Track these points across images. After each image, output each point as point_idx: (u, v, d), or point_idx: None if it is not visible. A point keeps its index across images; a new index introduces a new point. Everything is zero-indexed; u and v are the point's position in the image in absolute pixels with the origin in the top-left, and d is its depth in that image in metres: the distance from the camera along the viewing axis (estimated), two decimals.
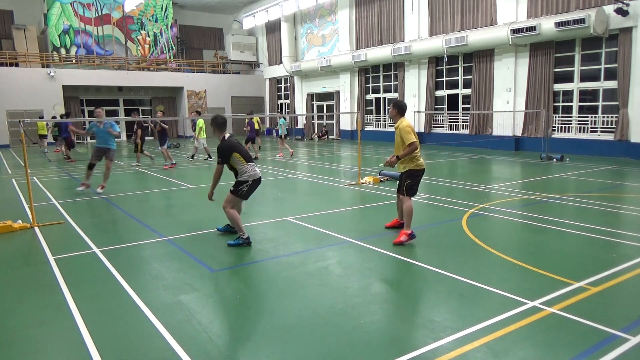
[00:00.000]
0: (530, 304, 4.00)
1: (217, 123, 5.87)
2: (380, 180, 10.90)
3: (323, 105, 28.75)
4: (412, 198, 6.09)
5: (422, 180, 6.23)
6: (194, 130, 17.15)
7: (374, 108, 25.19)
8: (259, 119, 17.12)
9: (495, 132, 18.89)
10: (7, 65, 25.92)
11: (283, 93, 32.36)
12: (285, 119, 17.84)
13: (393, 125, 6.52)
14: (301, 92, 29.73)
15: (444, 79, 21.13)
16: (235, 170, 5.84)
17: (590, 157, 15.17)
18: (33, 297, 4.46)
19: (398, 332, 3.61)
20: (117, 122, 19.45)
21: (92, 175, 10.27)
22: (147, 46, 31.28)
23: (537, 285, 4.44)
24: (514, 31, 16.56)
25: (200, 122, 16.78)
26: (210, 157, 16.42)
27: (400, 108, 6.22)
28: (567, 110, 16.89)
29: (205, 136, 16.75)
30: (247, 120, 16.69)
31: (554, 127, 17.17)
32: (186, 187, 10.81)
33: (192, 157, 17.00)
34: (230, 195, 5.84)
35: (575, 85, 16.47)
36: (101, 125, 9.91)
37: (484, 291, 4.34)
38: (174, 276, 4.92)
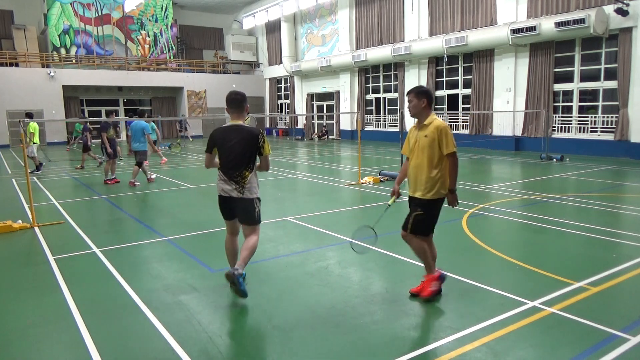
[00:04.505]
0: (530, 304, 4.00)
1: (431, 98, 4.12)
2: (381, 180, 10.90)
3: (323, 105, 28.75)
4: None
5: None
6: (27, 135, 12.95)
7: (373, 108, 25.18)
8: None
9: (495, 132, 18.89)
10: (7, 65, 25.94)
11: (283, 93, 32.36)
12: (154, 123, 15.70)
13: (419, 125, 4.18)
14: (301, 92, 29.73)
15: (444, 79, 21.13)
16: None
17: (590, 157, 15.16)
18: (33, 297, 4.46)
19: (398, 332, 3.61)
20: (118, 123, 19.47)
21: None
22: (147, 46, 31.28)
23: (537, 285, 4.44)
24: (514, 31, 16.56)
25: (32, 127, 13.51)
26: (39, 170, 13.51)
27: (430, 98, 4.16)
28: (567, 110, 16.88)
29: (38, 142, 13.96)
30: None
31: (554, 127, 17.17)
32: (186, 187, 10.81)
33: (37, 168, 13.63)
34: None
35: (575, 85, 16.47)
36: None
37: (484, 291, 4.34)
38: (174, 276, 4.92)
